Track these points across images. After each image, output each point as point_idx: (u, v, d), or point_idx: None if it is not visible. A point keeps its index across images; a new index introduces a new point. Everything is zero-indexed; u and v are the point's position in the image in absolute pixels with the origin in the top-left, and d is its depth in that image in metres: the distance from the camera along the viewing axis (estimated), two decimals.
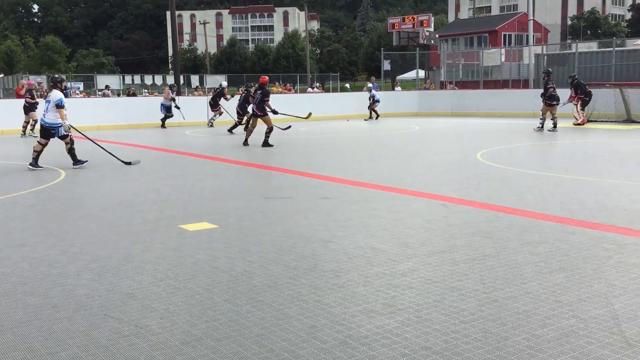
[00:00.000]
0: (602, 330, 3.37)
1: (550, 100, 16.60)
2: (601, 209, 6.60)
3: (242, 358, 3.11)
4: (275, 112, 14.12)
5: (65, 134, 10.63)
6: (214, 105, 21.24)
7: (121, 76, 44.10)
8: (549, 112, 16.68)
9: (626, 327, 3.40)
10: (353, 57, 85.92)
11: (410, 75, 40.04)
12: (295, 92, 38.34)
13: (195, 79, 45.43)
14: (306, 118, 16.59)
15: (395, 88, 32.39)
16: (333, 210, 6.81)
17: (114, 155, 11.36)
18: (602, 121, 19.32)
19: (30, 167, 10.64)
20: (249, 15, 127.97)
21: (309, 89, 32.28)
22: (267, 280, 4.37)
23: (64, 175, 9.92)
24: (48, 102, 10.63)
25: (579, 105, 18.68)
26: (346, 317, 3.63)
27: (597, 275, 4.33)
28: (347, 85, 52.14)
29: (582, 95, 18.58)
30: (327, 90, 46.75)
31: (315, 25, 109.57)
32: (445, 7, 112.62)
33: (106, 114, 21.71)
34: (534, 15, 35.58)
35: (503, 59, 34.25)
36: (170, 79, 37.26)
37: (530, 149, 13.21)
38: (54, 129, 10.59)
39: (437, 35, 37.18)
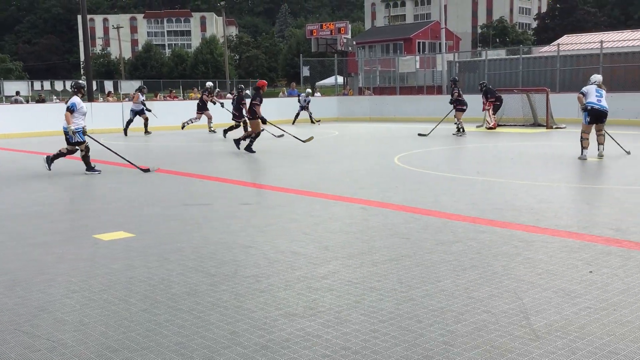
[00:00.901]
0: (512, 323, 3.53)
1: (460, 105, 17.31)
2: (510, 208, 6.92)
3: None
4: (263, 121, 13.68)
5: (79, 140, 10.51)
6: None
7: (30, 82, 42.25)
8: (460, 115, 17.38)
9: (534, 320, 3.58)
10: (272, 63, 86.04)
11: (329, 81, 40.47)
12: (219, 97, 37.92)
13: (109, 85, 44.13)
14: (304, 142, 15.76)
15: (315, 94, 32.66)
16: (253, 216, 6.79)
17: (131, 162, 11.05)
18: (510, 125, 20.20)
19: (87, 172, 10.66)
20: (165, 20, 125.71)
21: (228, 95, 32.03)
22: (187, 287, 4.31)
23: None
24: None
25: (491, 110, 19.47)
26: (267, 321, 3.64)
27: (506, 272, 4.53)
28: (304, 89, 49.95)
29: (493, 100, 19.40)
30: (246, 97, 46.53)
31: (233, 30, 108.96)
32: (362, 14, 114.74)
33: (17, 121, 20.71)
34: (446, 24, 36.82)
35: (418, 66, 35.25)
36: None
37: (445, 152, 13.66)
38: (73, 135, 10.51)
39: (354, 42, 37.79)
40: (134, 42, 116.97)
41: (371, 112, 27.30)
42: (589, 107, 11.52)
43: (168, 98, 30.01)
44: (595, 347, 3.18)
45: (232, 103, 18.13)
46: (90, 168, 10.72)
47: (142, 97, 20.80)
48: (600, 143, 11.70)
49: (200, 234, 5.99)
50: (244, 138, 13.94)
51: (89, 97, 25.08)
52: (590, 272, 4.48)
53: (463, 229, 5.97)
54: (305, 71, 31.83)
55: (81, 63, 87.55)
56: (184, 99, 35.83)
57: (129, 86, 44.39)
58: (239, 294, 4.16)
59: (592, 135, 11.53)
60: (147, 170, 10.61)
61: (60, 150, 10.73)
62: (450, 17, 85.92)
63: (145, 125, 20.53)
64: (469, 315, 3.66)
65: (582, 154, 11.45)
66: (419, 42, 57.17)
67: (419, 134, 17.47)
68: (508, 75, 25.68)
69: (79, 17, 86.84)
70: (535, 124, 20.01)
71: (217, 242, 5.61)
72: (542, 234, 5.69)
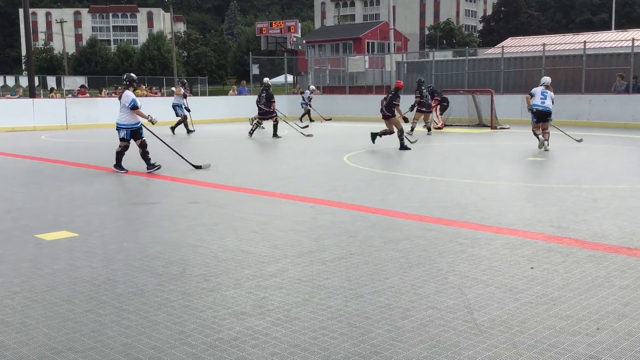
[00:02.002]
0: (456, 319, 3.62)
1: (419, 107, 17.90)
2: (455, 206, 7.07)
3: None
4: (405, 119, 13.74)
5: (124, 137, 10.19)
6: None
7: None
8: (421, 117, 18.05)
9: (478, 315, 3.68)
10: (221, 60, 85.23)
11: (279, 79, 40.40)
12: (162, 95, 37.36)
13: (52, 80, 42.88)
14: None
15: None
16: (201, 215, 6.74)
17: (186, 159, 10.73)
18: (456, 125, 20.60)
19: (115, 169, 10.29)
20: (111, 15, 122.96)
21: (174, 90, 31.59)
22: (133, 288, 4.25)
23: None
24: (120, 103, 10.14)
25: (438, 110, 19.83)
26: (216, 320, 3.62)
27: (452, 268, 4.63)
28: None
29: (439, 99, 19.77)
30: (195, 94, 45.99)
31: (181, 27, 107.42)
32: (312, 13, 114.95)
33: None
34: (394, 25, 37.30)
35: (367, 66, 35.51)
36: (24, 80, 34.93)
37: (393, 152, 13.82)
38: (119, 129, 10.22)
39: (304, 41, 37.90)
40: (78, 37, 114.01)
41: (321, 111, 27.38)
42: (534, 110, 12.82)
43: (113, 94, 29.34)
44: (536, 341, 3.29)
45: (260, 100, 17.22)
46: (119, 165, 10.30)
47: (184, 91, 19.30)
48: (545, 139, 12.86)
49: (147, 233, 5.90)
50: (382, 134, 14.01)
51: (30, 93, 24.34)
52: (532, 268, 4.62)
53: (410, 226, 6.06)
54: (255, 69, 31.68)
55: (23, 58, 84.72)
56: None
57: (73, 82, 43.23)
58: (186, 293, 4.12)
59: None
60: (199, 167, 10.44)
61: (117, 152, 10.30)
62: (398, 18, 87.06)
63: (183, 124, 18.86)
64: (415, 312, 3.73)
65: (540, 143, 12.88)
66: (368, 42, 57.68)
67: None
68: (454, 76, 26.16)
69: (21, 11, 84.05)
70: (480, 125, 20.45)
71: (165, 242, 5.54)
72: (486, 231, 5.84)
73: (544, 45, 24.14)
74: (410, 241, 5.46)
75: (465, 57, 26.69)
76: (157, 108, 24.09)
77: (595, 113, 20.60)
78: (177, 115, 18.90)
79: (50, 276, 4.52)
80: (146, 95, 28.98)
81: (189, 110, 18.98)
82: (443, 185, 8.74)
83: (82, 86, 25.90)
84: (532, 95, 13.00)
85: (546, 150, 12.68)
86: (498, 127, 19.76)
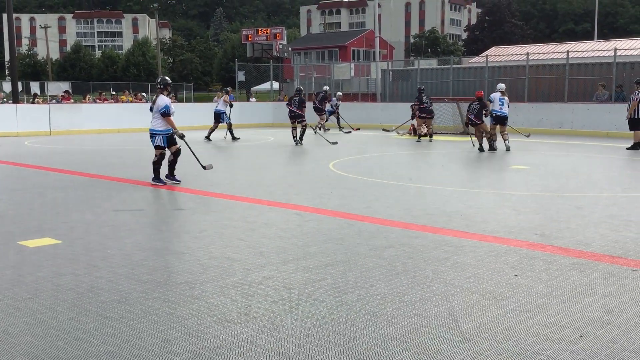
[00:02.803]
0: (441, 326, 3.63)
1: (420, 113, 18.47)
2: (441, 214, 7.10)
3: None
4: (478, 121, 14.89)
5: (159, 145, 9.38)
6: (320, 110, 20.78)
7: None
8: (422, 124, 18.51)
9: (463, 322, 3.69)
10: (207, 67, 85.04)
11: (265, 86, 40.36)
12: (147, 101, 37.20)
13: (35, 86, 42.52)
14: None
15: (250, 99, 32.50)
16: (187, 222, 6.71)
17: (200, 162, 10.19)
18: (441, 133, 20.69)
19: (153, 182, 9.46)
20: (95, 21, 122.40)
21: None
22: (117, 295, 4.22)
23: None
24: (152, 108, 9.49)
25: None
26: (201, 328, 3.61)
27: (437, 276, 4.65)
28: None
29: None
30: (180, 100, 45.87)
31: (167, 33, 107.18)
32: (298, 21, 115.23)
33: None
34: (380, 33, 37.47)
35: (353, 73, 35.64)
36: (7, 85, 34.62)
37: (379, 159, 13.86)
38: (153, 136, 9.46)
39: (290, 49, 37.92)
40: (63, 43, 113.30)
41: (307, 118, 27.42)
42: (494, 114, 15.01)
43: (98, 100, 29.18)
44: (520, 348, 3.31)
45: (292, 103, 17.15)
46: (157, 178, 9.47)
47: (231, 97, 19.25)
48: (505, 139, 15.10)
49: (132, 240, 5.87)
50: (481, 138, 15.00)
51: (14, 99, 24.13)
52: (516, 275, 4.65)
53: (396, 234, 6.08)
54: (241, 76, 31.70)
55: (6, 63, 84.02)
56: (115, 102, 34.98)
57: (56, 88, 42.90)
58: (171, 301, 4.10)
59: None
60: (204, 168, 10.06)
61: (154, 162, 9.51)
62: (384, 26, 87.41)
63: (228, 131, 18.93)
64: (400, 319, 3.74)
65: (492, 146, 15.03)
66: (353, 50, 57.90)
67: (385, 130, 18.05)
68: (439, 85, 26.31)
69: (4, 16, 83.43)
70: (465, 133, 20.56)
71: (149, 249, 5.51)
72: (471, 239, 5.87)
73: (527, 54, 24.36)
74: (395, 249, 5.48)
75: (449, 66, 26.85)
76: (144, 112, 24.02)
77: (578, 122, 20.80)
78: (221, 121, 18.96)
79: (33, 283, 4.48)
80: (131, 102, 28.86)
81: (229, 120, 19.16)
82: (428, 192, 8.77)
83: (66, 92, 25.66)
84: (491, 101, 15.06)
85: (508, 149, 14.82)
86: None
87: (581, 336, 3.47)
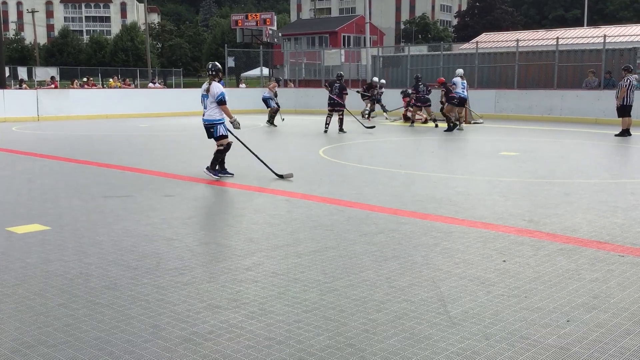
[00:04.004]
0: (430, 311, 3.66)
1: (416, 102, 19.18)
2: (430, 200, 7.13)
3: None
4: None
5: (222, 134, 8.78)
6: (365, 97, 21.19)
7: None
8: (418, 112, 19.37)
9: (451, 307, 3.72)
10: (196, 52, 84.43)
11: (255, 72, 40.17)
12: (135, 87, 36.98)
13: (22, 71, 42.11)
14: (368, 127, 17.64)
15: (240, 85, 32.34)
16: (176, 208, 6.70)
17: (268, 167, 9.21)
18: (432, 119, 20.68)
19: (207, 172, 8.77)
20: (83, 5, 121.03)
21: (150, 84, 31.29)
22: (106, 281, 4.21)
23: None
24: (205, 96, 8.75)
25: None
26: (190, 314, 3.61)
27: (426, 262, 4.68)
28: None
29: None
30: (169, 86, 45.62)
31: (155, 18, 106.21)
32: (288, 6, 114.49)
33: None
34: (370, 19, 37.36)
35: (343, 60, 35.48)
36: None
37: (369, 145, 13.87)
38: (213, 126, 8.77)
39: (280, 34, 37.74)
40: (50, 28, 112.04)
41: (296, 104, 27.35)
42: (457, 97, 16.82)
43: (86, 86, 28.96)
44: (508, 333, 3.34)
45: (333, 90, 16.73)
46: (213, 168, 8.82)
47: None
48: (460, 122, 17.24)
49: (121, 226, 5.85)
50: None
51: (0, 84, 23.90)
52: (504, 261, 4.69)
53: (385, 220, 6.10)
54: (230, 62, 31.48)
55: None
56: (103, 87, 34.72)
57: (44, 73, 42.53)
58: (161, 287, 4.10)
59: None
60: (281, 177, 8.83)
61: (215, 153, 8.89)
62: (374, 12, 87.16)
63: (274, 113, 19.44)
64: (389, 304, 3.76)
65: (451, 126, 16.66)
66: (344, 36, 57.64)
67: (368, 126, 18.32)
68: (429, 71, 26.27)
69: None
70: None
71: (138, 235, 5.50)
72: (460, 225, 5.90)
73: (517, 41, 24.33)
74: (385, 234, 5.50)
75: (440, 52, 26.84)
76: (131, 98, 23.95)
77: (567, 108, 20.88)
78: (268, 106, 19.70)
79: (21, 270, 4.46)
80: (119, 87, 28.67)
81: (278, 106, 19.68)
82: (418, 179, 8.80)
83: (52, 78, 25.44)
84: (455, 85, 16.87)
85: (460, 130, 16.76)
86: (472, 121, 19.96)
87: (568, 321, 3.51)
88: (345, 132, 16.30)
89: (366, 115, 21.45)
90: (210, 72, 8.88)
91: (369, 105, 21.90)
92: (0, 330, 3.37)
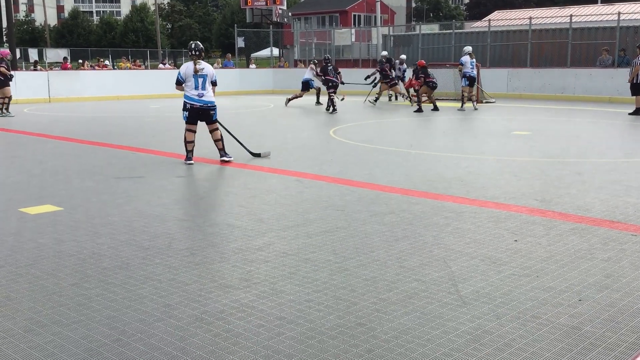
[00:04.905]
0: (441, 291, 3.65)
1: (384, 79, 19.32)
2: (441, 180, 7.10)
3: (92, 341, 3.01)
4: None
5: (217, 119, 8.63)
6: (388, 78, 19.86)
7: None
8: (424, 94, 17.78)
9: (462, 286, 3.72)
10: (206, 33, 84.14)
11: (265, 53, 39.95)
12: (146, 68, 36.96)
13: (33, 53, 42.19)
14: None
15: (250, 66, 32.25)
16: (187, 189, 6.72)
17: (244, 145, 9.14)
18: (442, 99, 20.46)
19: (226, 157, 8.59)
20: None
21: (160, 65, 31.26)
22: (118, 261, 4.24)
23: None
24: (201, 76, 8.41)
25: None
26: (202, 293, 3.63)
27: (437, 241, 4.67)
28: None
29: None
30: (179, 67, 45.53)
31: None
32: None
33: None
34: None
35: (353, 39, 35.26)
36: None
37: (379, 126, 13.82)
38: (214, 108, 8.60)
39: (290, 14, 37.49)
40: (60, 9, 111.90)
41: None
42: (467, 75, 16.39)
43: (97, 67, 28.96)
44: (519, 312, 3.33)
45: (329, 73, 16.83)
46: (224, 151, 8.63)
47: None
48: (472, 101, 17.08)
49: (132, 207, 5.88)
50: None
51: (13, 66, 23.93)
52: (515, 240, 4.67)
53: (396, 200, 6.09)
54: (240, 42, 31.36)
55: (4, 29, 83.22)
56: (114, 69, 34.74)
57: (55, 54, 42.59)
58: (172, 267, 4.12)
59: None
60: (258, 155, 8.89)
61: (220, 139, 8.70)
62: None
63: (297, 97, 19.60)
64: (400, 284, 3.76)
65: (462, 105, 16.85)
66: (354, 15, 57.19)
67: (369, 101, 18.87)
68: (441, 50, 26.05)
69: None
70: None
71: (150, 215, 5.52)
72: (471, 205, 5.87)
73: (530, 18, 24.07)
74: (395, 215, 5.49)
75: (451, 31, 26.57)
76: (142, 80, 23.95)
77: (581, 87, 20.65)
78: (311, 88, 19.79)
79: (34, 250, 4.50)
80: (130, 68, 28.65)
81: (319, 88, 19.77)
82: (429, 159, 8.76)
83: (64, 59, 25.47)
84: (462, 64, 16.41)
85: (475, 109, 16.53)
86: (484, 101, 19.79)
87: (580, 300, 3.50)
88: (336, 111, 16.48)
89: (403, 97, 19.99)
90: (194, 52, 8.65)
91: (380, 87, 20.29)
92: (14, 310, 3.40)
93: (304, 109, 18.49)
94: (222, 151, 8.65)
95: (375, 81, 20.07)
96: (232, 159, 8.58)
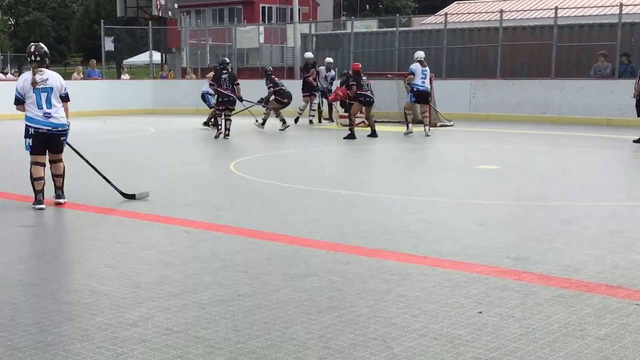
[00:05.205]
0: None
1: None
2: (381, 231, 7.25)
3: None
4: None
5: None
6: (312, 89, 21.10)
7: None
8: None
9: None
10: (62, 32, 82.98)
11: (142, 58, 39.83)
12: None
13: None
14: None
15: (122, 76, 31.98)
16: (37, 243, 6.63)
17: (113, 185, 9.06)
18: (382, 121, 20.22)
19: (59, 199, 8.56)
20: None
21: (1, 75, 30.55)
22: None
23: None
24: (44, 90, 8.41)
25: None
26: None
27: (374, 314, 4.75)
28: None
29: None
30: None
31: None
32: None
33: None
34: None
35: (262, 40, 35.55)
36: None
37: (295, 157, 13.98)
38: (66, 133, 8.76)
39: (176, 6, 37.47)
40: None
41: (198, 102, 27.09)
42: (415, 89, 16.60)
43: None
44: None
45: (224, 84, 16.70)
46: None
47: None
48: (425, 124, 16.82)
49: None
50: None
51: None
52: (480, 312, 4.75)
53: (319, 258, 6.18)
54: (109, 44, 31.01)
55: None
56: None
57: None
58: (16, 348, 4.05)
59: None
60: (132, 197, 8.90)
61: (61, 175, 8.75)
62: None
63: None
64: None
65: (407, 128, 16.91)
66: (263, 8, 57.73)
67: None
68: (381, 54, 26.24)
69: None
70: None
71: None
72: (421, 264, 6.00)
73: (501, 12, 23.60)
74: (319, 278, 5.57)
75: (395, 29, 26.57)
76: None
77: (569, 105, 20.70)
78: (206, 102, 20.67)
79: None
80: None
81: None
82: (364, 202, 8.93)
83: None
84: (413, 74, 16.54)
85: (427, 135, 16.55)
86: (438, 124, 19.77)
87: None
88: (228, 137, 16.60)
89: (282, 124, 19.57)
90: (34, 58, 8.51)
91: (310, 102, 20.97)
92: None
93: (195, 133, 18.48)
94: (60, 190, 8.63)
95: (267, 98, 19.63)
96: (65, 200, 8.57)
